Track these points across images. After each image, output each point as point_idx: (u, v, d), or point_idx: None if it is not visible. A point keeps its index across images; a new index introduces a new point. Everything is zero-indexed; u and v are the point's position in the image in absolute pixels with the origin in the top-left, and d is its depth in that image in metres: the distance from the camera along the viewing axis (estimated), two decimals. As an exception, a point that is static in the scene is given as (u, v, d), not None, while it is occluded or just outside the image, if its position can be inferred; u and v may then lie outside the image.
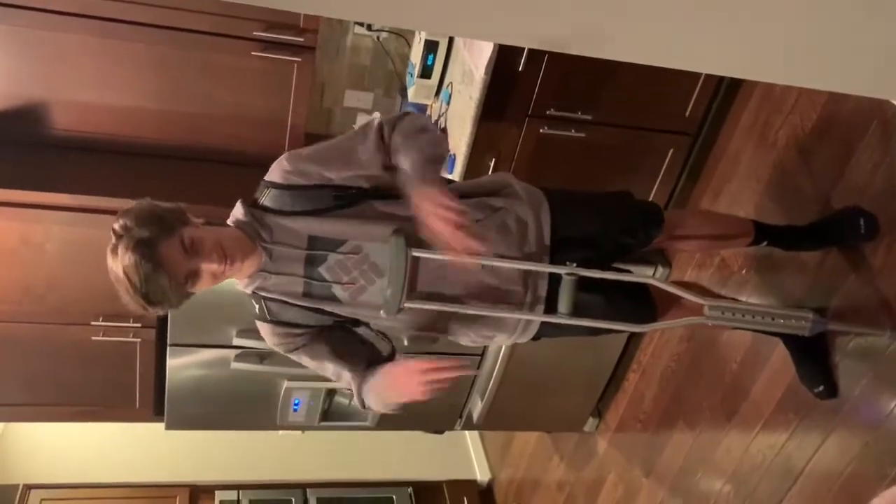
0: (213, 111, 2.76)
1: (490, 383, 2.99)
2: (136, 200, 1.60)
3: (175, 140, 2.79)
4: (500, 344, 2.73)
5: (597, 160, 2.69)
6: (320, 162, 1.64)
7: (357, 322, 1.77)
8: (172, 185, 2.62)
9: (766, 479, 2.34)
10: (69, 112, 2.67)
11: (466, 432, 4.44)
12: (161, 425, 2.91)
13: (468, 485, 4.23)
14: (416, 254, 1.66)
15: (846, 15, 1.12)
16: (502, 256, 1.73)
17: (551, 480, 3.65)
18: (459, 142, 2.60)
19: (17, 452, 3.85)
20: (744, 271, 2.50)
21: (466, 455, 4.43)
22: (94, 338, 2.74)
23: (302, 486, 3.99)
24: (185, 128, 2.78)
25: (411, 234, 1.66)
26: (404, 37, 3.03)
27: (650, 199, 2.80)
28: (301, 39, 2.62)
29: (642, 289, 1.94)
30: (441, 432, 3.53)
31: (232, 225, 1.67)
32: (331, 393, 2.95)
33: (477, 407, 3.10)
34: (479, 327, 1.83)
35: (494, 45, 2.34)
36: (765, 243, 2.15)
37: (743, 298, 2.40)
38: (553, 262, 1.77)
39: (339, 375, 1.79)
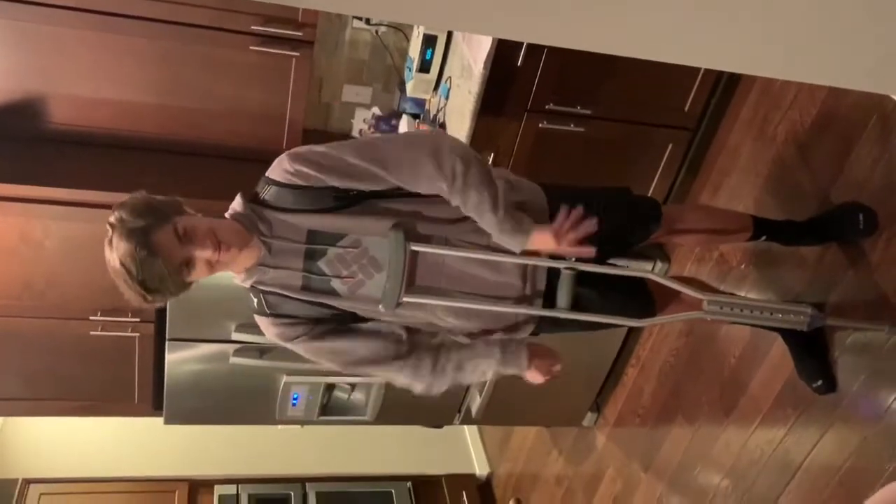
0: (211, 106, 2.75)
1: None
2: (131, 193, 1.60)
3: (173, 134, 2.79)
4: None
5: (596, 155, 2.69)
6: (323, 169, 1.62)
7: (355, 317, 1.77)
8: (170, 179, 2.61)
9: (764, 474, 2.34)
10: (67, 106, 2.66)
11: (465, 427, 4.45)
12: (160, 420, 2.91)
13: (467, 479, 4.24)
14: (414, 248, 1.66)
15: (846, 9, 1.11)
16: (502, 252, 1.73)
17: (550, 475, 3.66)
18: (458, 136, 2.59)
19: (17, 447, 3.86)
20: (742, 266, 2.50)
21: (465, 449, 4.43)
22: (92, 333, 2.74)
23: (301, 481, 4.00)
24: (183, 122, 2.77)
25: (411, 229, 1.66)
26: (403, 31, 3.02)
27: (649, 193, 2.80)
28: (299, 34, 2.62)
29: (640, 283, 1.94)
30: (440, 427, 3.54)
31: (230, 216, 1.68)
32: (330, 387, 2.95)
33: (476, 402, 3.11)
34: (476, 322, 1.83)
35: (493, 40, 2.34)
36: (763, 238, 2.15)
37: (742, 293, 2.40)
38: (552, 257, 1.77)
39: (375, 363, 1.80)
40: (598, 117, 2.60)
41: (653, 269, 2.82)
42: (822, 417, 2.15)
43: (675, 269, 2.83)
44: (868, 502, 1.09)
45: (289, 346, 1.77)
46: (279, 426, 3.63)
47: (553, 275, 1.78)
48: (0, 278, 2.61)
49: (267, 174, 1.68)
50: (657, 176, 2.77)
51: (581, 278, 1.75)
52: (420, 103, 2.99)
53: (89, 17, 2.47)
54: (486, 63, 2.38)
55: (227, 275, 1.71)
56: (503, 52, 2.37)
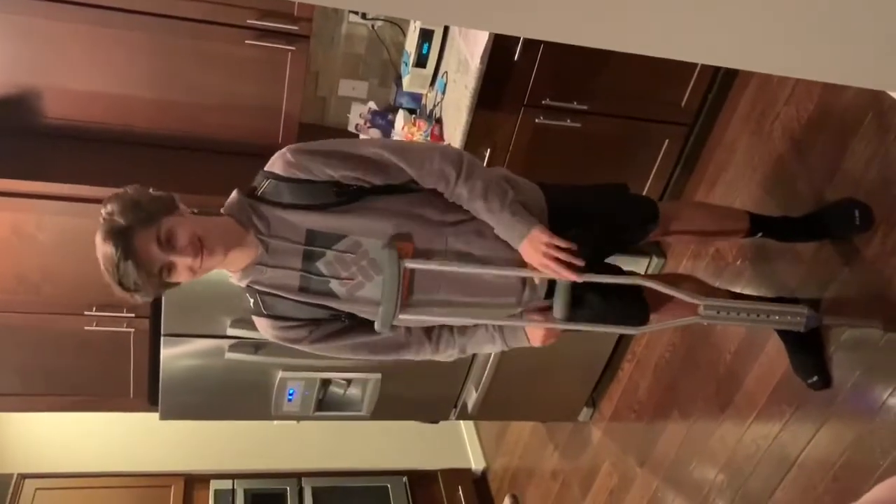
0: (206, 100, 2.74)
1: (485, 373, 2.99)
2: (127, 187, 1.58)
3: (168, 129, 2.77)
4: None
5: (592, 150, 2.68)
6: (325, 158, 1.61)
7: (353, 316, 1.75)
8: (165, 174, 2.60)
9: (759, 469, 2.35)
10: (61, 100, 2.65)
11: (461, 422, 4.45)
12: (155, 415, 2.91)
13: (463, 473, 4.25)
14: (409, 265, 1.65)
15: (845, 5, 1.11)
16: (502, 258, 1.72)
17: (546, 469, 3.66)
18: (455, 131, 2.58)
19: (12, 441, 3.85)
20: (738, 262, 2.50)
21: (461, 444, 4.44)
22: (87, 328, 2.74)
23: (297, 476, 4.00)
24: (178, 116, 2.76)
25: (411, 232, 1.65)
26: (399, 25, 3.01)
27: (646, 188, 2.80)
28: (295, 28, 2.61)
29: (635, 287, 1.95)
30: (436, 422, 3.54)
31: (226, 214, 1.65)
32: (326, 383, 2.95)
33: (472, 397, 3.11)
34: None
35: (490, 35, 2.33)
36: (760, 235, 2.15)
37: (738, 289, 2.40)
38: None
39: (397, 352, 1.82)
40: (594, 113, 2.60)
41: (649, 264, 2.83)
42: (818, 413, 2.15)
43: (671, 264, 2.83)
44: (863, 500, 1.09)
45: (287, 345, 1.76)
46: (275, 421, 3.63)
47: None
48: (-6, 273, 2.60)
49: (265, 168, 1.66)
50: (654, 171, 2.77)
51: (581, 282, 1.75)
52: (416, 98, 2.98)
53: (83, 10, 2.46)
54: (482, 58, 2.37)
55: (223, 271, 1.69)
56: (500, 47, 2.37)
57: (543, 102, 2.55)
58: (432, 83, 2.85)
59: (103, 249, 1.50)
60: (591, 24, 1.11)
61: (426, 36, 2.74)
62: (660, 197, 2.84)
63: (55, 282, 2.66)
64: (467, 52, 2.49)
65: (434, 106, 2.80)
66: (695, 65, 2.53)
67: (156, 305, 2.66)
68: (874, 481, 1.93)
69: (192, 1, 2.50)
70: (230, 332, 2.67)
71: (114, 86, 2.65)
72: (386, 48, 3.07)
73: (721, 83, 2.64)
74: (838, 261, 2.14)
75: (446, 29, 2.75)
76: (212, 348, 2.72)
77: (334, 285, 1.67)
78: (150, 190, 1.60)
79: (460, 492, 4.09)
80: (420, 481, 4.14)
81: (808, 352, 2.13)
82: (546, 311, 1.80)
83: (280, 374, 2.83)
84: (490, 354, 2.93)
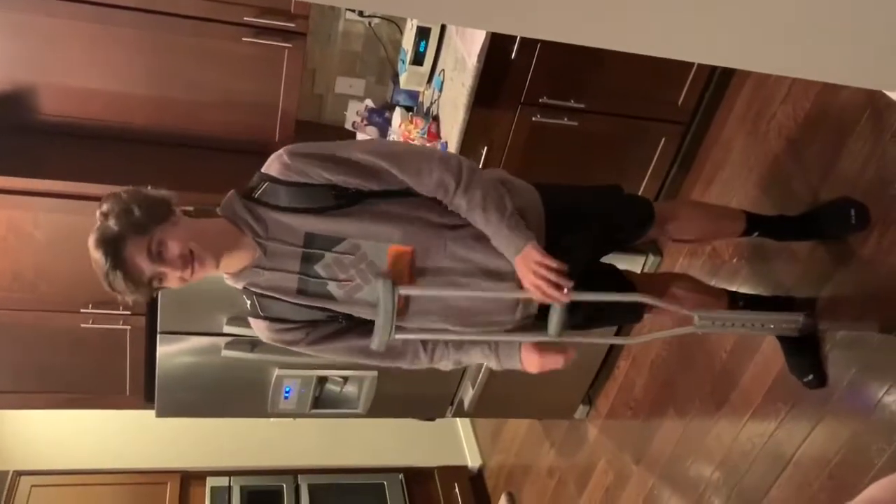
0: (203, 97, 2.74)
1: (481, 371, 3.00)
2: (124, 189, 1.55)
3: (165, 126, 2.77)
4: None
5: (589, 148, 2.68)
6: (322, 162, 1.59)
7: (350, 317, 1.75)
8: (163, 170, 2.60)
9: (755, 467, 2.35)
10: (59, 97, 2.64)
11: (457, 419, 4.46)
12: (152, 412, 2.91)
13: (459, 471, 4.25)
14: (403, 292, 1.65)
15: (840, 6, 1.11)
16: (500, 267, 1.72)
17: (542, 467, 3.67)
18: (452, 129, 2.58)
19: (8, 439, 3.85)
20: (735, 260, 2.51)
21: (457, 442, 4.45)
22: (83, 325, 2.73)
23: (293, 473, 4.01)
24: (175, 113, 2.75)
25: (411, 234, 1.64)
26: (396, 23, 3.01)
27: (642, 187, 2.80)
28: (292, 25, 2.60)
29: (629, 286, 1.97)
30: (432, 419, 3.55)
31: (222, 215, 1.63)
32: (322, 380, 2.95)
33: (468, 394, 3.11)
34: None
35: (487, 33, 2.33)
36: (756, 234, 2.16)
37: (734, 288, 2.41)
38: None
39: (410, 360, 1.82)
40: (591, 111, 2.60)
41: (645, 263, 2.83)
42: (813, 411, 2.16)
43: (667, 263, 2.83)
44: (858, 499, 1.09)
45: (284, 346, 1.76)
46: (271, 419, 3.63)
47: None
48: (-10, 270, 2.60)
49: (262, 170, 1.64)
50: (650, 169, 2.78)
51: (576, 284, 1.74)
52: (413, 96, 2.98)
53: (82, 7, 2.45)
54: (479, 56, 2.37)
55: (220, 270, 1.69)
56: (497, 45, 2.36)
57: (540, 101, 2.55)
58: (429, 81, 2.85)
59: (94, 255, 1.49)
60: (592, 23, 1.11)
61: (423, 34, 2.74)
62: (656, 195, 2.85)
63: (51, 279, 2.66)
64: (464, 50, 2.49)
65: (431, 104, 2.80)
66: (692, 64, 2.53)
67: (152, 303, 2.65)
68: (869, 479, 1.94)
69: (189, -2, 2.50)
70: (226, 329, 2.67)
71: (111, 83, 2.65)
72: (383, 46, 3.06)
73: (718, 82, 2.65)
74: (834, 259, 2.14)
75: (443, 27, 2.75)
76: (208, 346, 2.72)
77: (332, 287, 1.66)
78: (149, 188, 1.57)
79: (457, 489, 4.10)
80: (416, 478, 4.14)
81: (804, 352, 2.14)
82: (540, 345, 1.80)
83: (276, 371, 2.83)
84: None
